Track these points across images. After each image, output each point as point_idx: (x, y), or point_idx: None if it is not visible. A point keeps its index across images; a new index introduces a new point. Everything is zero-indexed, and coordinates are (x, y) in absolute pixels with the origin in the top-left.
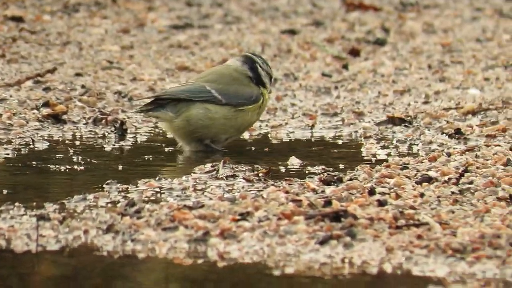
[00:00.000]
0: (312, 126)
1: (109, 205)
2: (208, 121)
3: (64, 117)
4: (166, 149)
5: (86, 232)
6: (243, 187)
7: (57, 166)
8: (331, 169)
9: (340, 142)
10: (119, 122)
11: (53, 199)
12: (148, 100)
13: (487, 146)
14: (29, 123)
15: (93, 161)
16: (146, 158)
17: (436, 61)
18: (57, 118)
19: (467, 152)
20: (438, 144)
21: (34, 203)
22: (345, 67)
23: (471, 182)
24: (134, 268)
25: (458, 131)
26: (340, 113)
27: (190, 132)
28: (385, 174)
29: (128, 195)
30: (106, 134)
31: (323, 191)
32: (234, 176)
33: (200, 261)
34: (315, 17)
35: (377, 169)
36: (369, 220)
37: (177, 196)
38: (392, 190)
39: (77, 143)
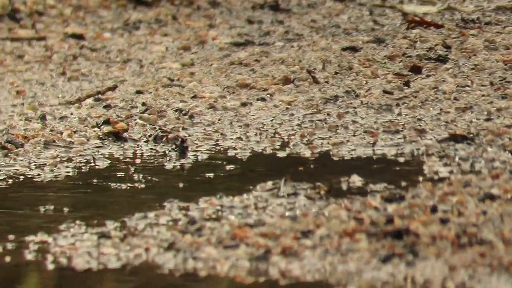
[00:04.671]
0: (374, 144)
1: (170, 223)
2: None
3: (125, 134)
4: (227, 167)
5: (147, 250)
6: (304, 205)
7: (118, 184)
8: (393, 186)
9: (402, 159)
10: (180, 139)
11: (114, 217)
12: None
13: None
14: (90, 141)
15: (154, 179)
16: (207, 176)
17: (498, 78)
18: (117, 136)
19: None
20: (501, 162)
21: (95, 221)
22: (407, 84)
23: None
24: (196, 286)
25: None
26: (402, 130)
27: None
28: (447, 191)
29: (189, 213)
30: (167, 151)
31: (385, 209)
32: (295, 194)
33: (261, 279)
34: (376, 34)
35: (439, 186)
36: (431, 238)
37: (238, 214)
38: (454, 208)
39: (138, 161)
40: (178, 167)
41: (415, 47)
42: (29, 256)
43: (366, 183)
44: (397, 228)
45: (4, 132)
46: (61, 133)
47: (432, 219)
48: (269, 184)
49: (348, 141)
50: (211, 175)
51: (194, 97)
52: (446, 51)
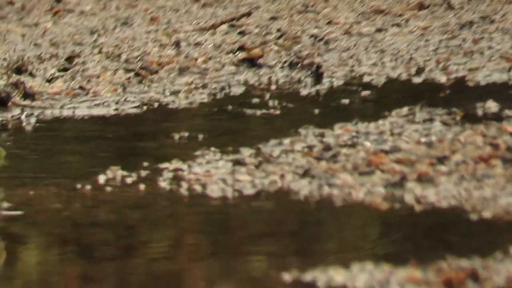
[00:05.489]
0: (509, 69)
1: (305, 149)
2: None
3: (260, 61)
4: (363, 93)
5: (282, 176)
6: (440, 131)
7: (253, 110)
8: None
9: None
10: (315, 66)
11: (249, 143)
12: None
13: None
14: (225, 67)
15: (289, 105)
16: (342, 102)
17: None
18: (252, 62)
19: None
20: None
21: (230, 148)
22: None
23: None
24: (331, 212)
25: None
26: None
27: None
28: None
29: (324, 139)
30: (302, 78)
31: None
32: (431, 120)
33: (397, 205)
34: None
35: None
36: None
37: (373, 140)
38: None
39: (273, 87)
40: (313, 93)
41: None
42: (163, 183)
43: (502, 108)
44: None
45: (138, 58)
46: (196, 59)
47: None
48: (405, 110)
49: (483, 66)
50: (346, 101)
51: (329, 23)
52: None
